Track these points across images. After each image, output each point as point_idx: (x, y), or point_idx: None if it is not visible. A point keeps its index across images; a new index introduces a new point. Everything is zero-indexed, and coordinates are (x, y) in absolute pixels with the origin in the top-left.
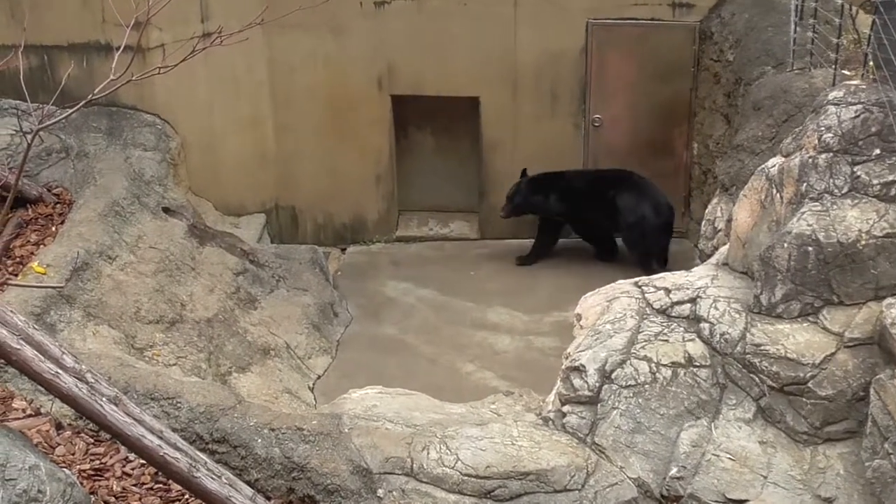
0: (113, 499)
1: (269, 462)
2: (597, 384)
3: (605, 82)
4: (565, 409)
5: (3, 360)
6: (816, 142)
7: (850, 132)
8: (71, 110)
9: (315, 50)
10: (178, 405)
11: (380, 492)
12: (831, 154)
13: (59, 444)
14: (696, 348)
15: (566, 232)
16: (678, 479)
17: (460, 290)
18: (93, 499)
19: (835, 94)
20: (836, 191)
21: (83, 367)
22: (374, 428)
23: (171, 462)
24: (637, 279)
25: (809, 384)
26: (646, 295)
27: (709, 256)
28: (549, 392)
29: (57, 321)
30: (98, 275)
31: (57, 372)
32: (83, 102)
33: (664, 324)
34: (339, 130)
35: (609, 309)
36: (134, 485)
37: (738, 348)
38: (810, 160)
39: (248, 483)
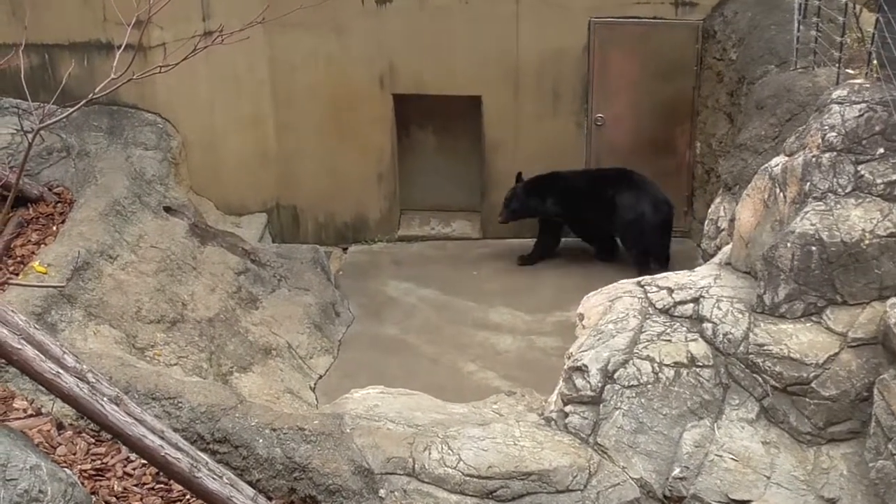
0: (114, 499)
1: (271, 462)
2: (599, 384)
3: (607, 81)
4: (567, 409)
5: (4, 360)
6: (820, 141)
7: (853, 131)
8: (72, 109)
9: (316, 49)
10: (180, 405)
11: (381, 492)
12: (835, 153)
13: (60, 444)
14: (699, 348)
15: (567, 232)
16: (681, 479)
17: (462, 290)
18: (94, 499)
19: (838, 92)
20: (839, 190)
21: (84, 366)
22: (376, 428)
23: (173, 462)
24: (640, 279)
25: (813, 384)
26: (648, 294)
27: (712, 256)
28: (552, 392)
29: (58, 321)
30: (99, 274)
31: (58, 372)
32: (84, 101)
33: (667, 323)
34: (341, 129)
35: (611, 309)
36: (135, 485)
37: (741, 348)
38: (814, 159)
39: (250, 483)
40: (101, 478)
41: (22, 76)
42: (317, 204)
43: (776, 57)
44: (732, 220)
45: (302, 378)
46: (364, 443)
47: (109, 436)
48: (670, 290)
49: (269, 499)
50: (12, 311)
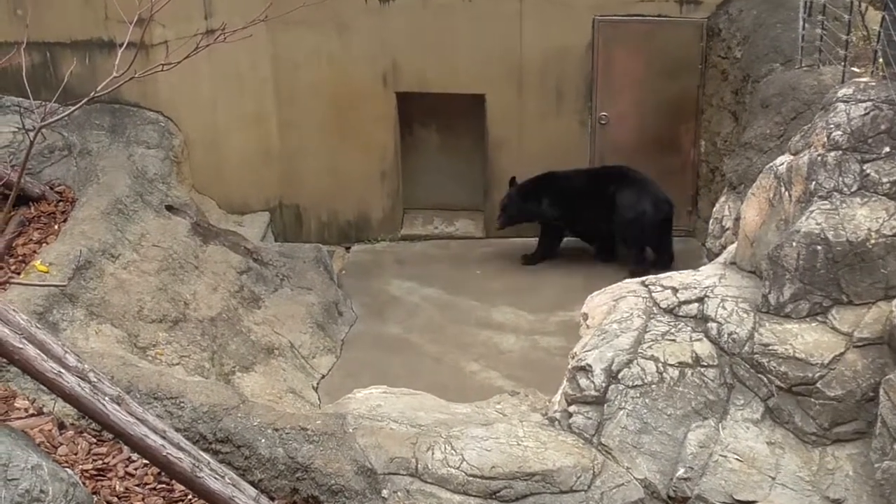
0: (116, 499)
1: (273, 462)
2: (603, 384)
3: (611, 79)
4: (571, 409)
5: (5, 360)
6: (825, 139)
7: (859, 130)
8: (73, 108)
9: (319, 47)
10: (182, 405)
11: (384, 492)
12: (840, 152)
13: (61, 444)
14: (704, 348)
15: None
16: (685, 479)
17: (465, 289)
18: (95, 499)
19: (844, 91)
20: (845, 189)
21: (86, 366)
22: (379, 428)
23: (175, 462)
24: (644, 278)
25: (818, 384)
26: (653, 294)
27: (716, 255)
28: (555, 392)
29: (59, 320)
30: (101, 273)
31: (59, 371)
32: (86, 100)
33: (671, 323)
34: (344, 128)
35: (616, 308)
36: (137, 485)
37: (746, 348)
38: (819, 158)
39: (252, 483)
40: (102, 478)
41: (24, 74)
42: (320, 203)
43: (781, 55)
44: (737, 220)
45: (304, 378)
46: (367, 443)
47: (111, 436)
48: (675, 290)
49: (272, 499)
50: (14, 310)
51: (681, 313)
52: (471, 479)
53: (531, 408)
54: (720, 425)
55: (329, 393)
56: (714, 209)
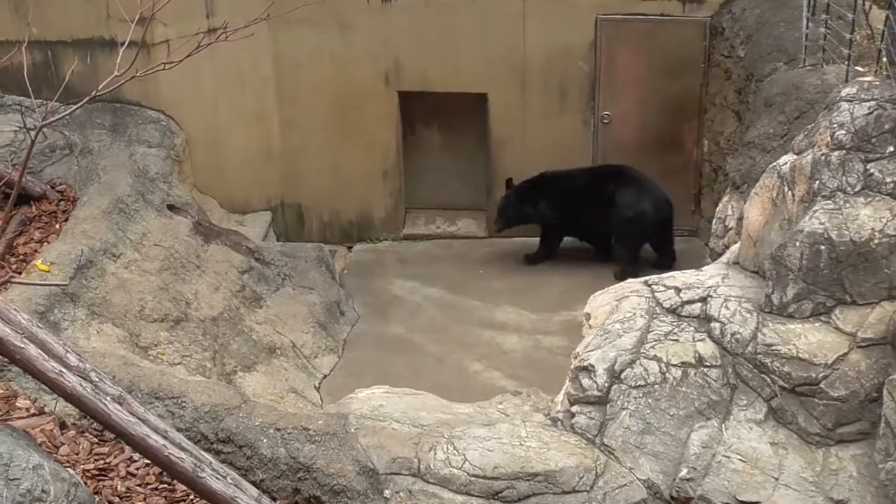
0: (117, 499)
1: (275, 462)
2: (606, 384)
3: (614, 79)
4: (574, 409)
5: (6, 359)
6: (829, 139)
7: (863, 129)
8: (75, 107)
9: (321, 45)
10: (183, 404)
11: (386, 492)
12: (844, 151)
13: (63, 444)
14: (707, 348)
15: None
16: (688, 480)
17: (468, 289)
18: (97, 499)
19: (848, 90)
20: (848, 189)
21: (87, 365)
22: (381, 428)
23: (176, 462)
24: (647, 278)
25: (821, 385)
26: (656, 294)
27: (719, 255)
28: (558, 392)
29: (61, 319)
30: (102, 273)
31: (61, 371)
32: (87, 99)
33: (674, 323)
34: (346, 127)
35: (618, 308)
36: (138, 485)
37: (750, 348)
38: (823, 158)
39: (254, 483)
40: (104, 478)
41: (25, 73)
42: (321, 202)
43: (785, 54)
44: (740, 219)
45: (306, 377)
46: (369, 443)
47: (112, 435)
48: (678, 290)
49: (274, 499)
50: (15, 309)
51: (684, 313)
52: (473, 479)
53: (534, 408)
54: (723, 426)
55: (331, 393)
56: (717, 209)
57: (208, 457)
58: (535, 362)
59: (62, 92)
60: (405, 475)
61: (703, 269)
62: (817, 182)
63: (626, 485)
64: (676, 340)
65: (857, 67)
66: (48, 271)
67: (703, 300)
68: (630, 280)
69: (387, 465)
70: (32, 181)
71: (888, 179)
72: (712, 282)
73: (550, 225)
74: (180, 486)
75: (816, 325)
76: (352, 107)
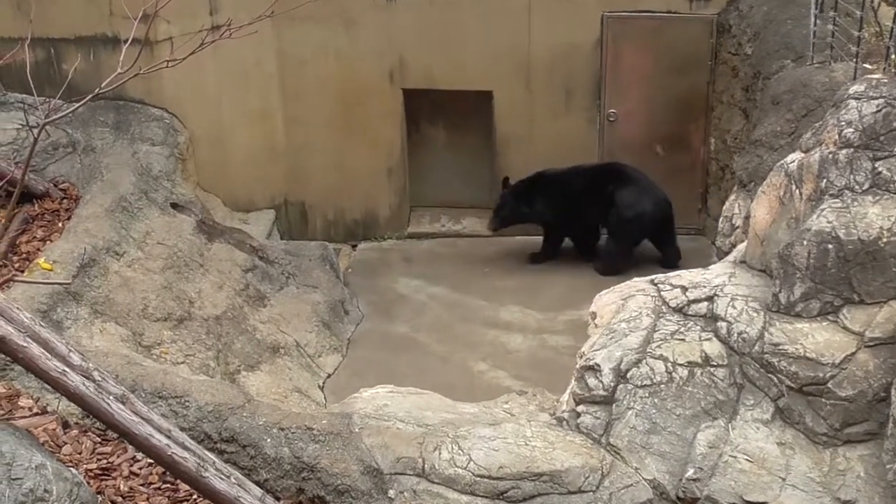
0: (120, 498)
1: (279, 462)
2: (612, 384)
3: (620, 76)
4: (580, 408)
5: (9, 358)
6: (837, 137)
7: (871, 127)
8: (78, 104)
9: (326, 42)
10: (187, 404)
11: (391, 492)
12: (852, 149)
13: (65, 443)
14: (713, 347)
15: None
16: (694, 480)
17: (473, 288)
18: (100, 498)
19: (856, 88)
20: (856, 187)
21: (90, 364)
22: (385, 427)
23: (179, 462)
24: (653, 277)
25: (829, 384)
26: (662, 293)
27: (726, 254)
28: (563, 392)
29: (63, 318)
30: (105, 271)
31: (63, 370)
32: (90, 96)
33: (680, 322)
34: (350, 124)
35: (624, 307)
36: (141, 484)
37: (756, 348)
38: (830, 156)
39: (257, 483)
40: (106, 477)
41: (27, 71)
42: (326, 200)
43: (792, 52)
44: (747, 218)
45: (310, 377)
46: (373, 443)
47: (115, 435)
48: (684, 289)
49: (277, 499)
50: (17, 308)
51: (690, 312)
52: (478, 479)
53: (539, 407)
54: (730, 425)
55: (335, 392)
56: (724, 207)
57: (212, 456)
58: (540, 362)
59: (65, 89)
60: (410, 475)
61: (710, 267)
62: (825, 180)
63: (631, 485)
64: (683, 340)
65: (865, 65)
66: (51, 270)
67: (710, 299)
68: (636, 279)
69: (391, 464)
70: (35, 179)
71: None
72: (719, 281)
73: (550, 224)
74: (183, 486)
75: (824, 324)
76: (356, 104)
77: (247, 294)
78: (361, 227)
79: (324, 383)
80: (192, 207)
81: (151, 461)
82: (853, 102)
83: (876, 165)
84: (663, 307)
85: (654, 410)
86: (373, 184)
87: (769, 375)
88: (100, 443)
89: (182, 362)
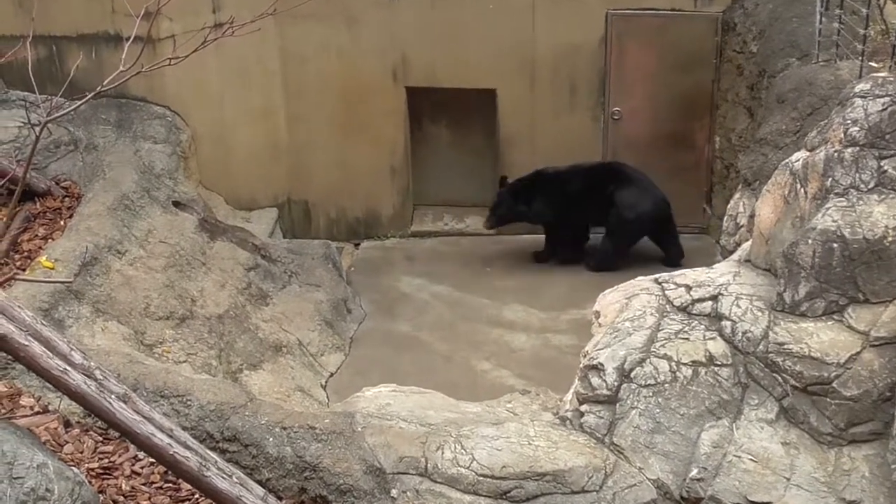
0: (122, 498)
1: (281, 461)
2: (615, 383)
3: (624, 74)
4: (583, 408)
5: (10, 357)
6: (842, 135)
7: (877, 125)
8: (80, 102)
9: (328, 40)
10: (189, 403)
11: (393, 492)
12: (857, 148)
13: (67, 442)
14: (718, 347)
15: None
16: (698, 480)
17: (476, 287)
18: (101, 498)
19: (861, 86)
20: (862, 186)
21: (92, 363)
22: (388, 427)
23: (181, 461)
24: (657, 276)
25: (834, 384)
26: (666, 292)
27: (731, 253)
28: (567, 391)
29: (65, 317)
30: (107, 270)
31: (65, 369)
32: (92, 94)
33: (685, 321)
34: (353, 122)
35: (628, 306)
36: (143, 484)
37: (761, 347)
38: (836, 154)
39: (260, 482)
40: (108, 476)
41: (29, 68)
42: (328, 199)
43: (798, 50)
44: (752, 217)
45: (313, 376)
46: (376, 442)
47: (117, 434)
48: (688, 288)
49: (279, 498)
50: (19, 306)
51: (694, 311)
52: (481, 478)
53: (542, 407)
54: (734, 425)
55: (337, 391)
56: (728, 206)
57: (214, 455)
58: (543, 361)
59: (67, 87)
60: (412, 474)
61: (714, 266)
62: (830, 179)
63: (635, 485)
64: (687, 339)
65: (871, 63)
66: (52, 268)
67: (714, 298)
68: (639, 278)
69: (394, 464)
70: (37, 177)
71: None
72: (723, 280)
73: (549, 223)
74: (185, 485)
75: (829, 323)
76: (359, 102)
77: (249, 293)
78: (364, 226)
79: (326, 382)
80: (195, 206)
81: (153, 460)
82: (859, 101)
83: (882, 164)
84: (667, 306)
85: (657, 410)
86: (375, 182)
87: (774, 375)
88: (101, 442)
89: (184, 361)
